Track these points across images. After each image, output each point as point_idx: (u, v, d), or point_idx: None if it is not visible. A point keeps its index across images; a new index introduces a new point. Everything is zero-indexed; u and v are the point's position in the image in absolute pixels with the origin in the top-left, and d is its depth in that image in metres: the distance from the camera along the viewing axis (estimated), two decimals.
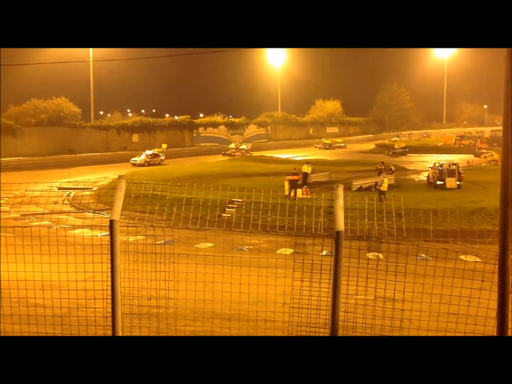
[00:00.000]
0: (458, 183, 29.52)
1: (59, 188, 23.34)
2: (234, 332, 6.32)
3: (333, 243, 4.57)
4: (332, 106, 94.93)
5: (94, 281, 5.10)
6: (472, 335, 4.89)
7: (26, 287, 5.44)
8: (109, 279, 4.79)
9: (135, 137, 61.88)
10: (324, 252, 5.11)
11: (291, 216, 5.71)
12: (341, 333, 4.77)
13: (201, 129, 70.06)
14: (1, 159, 45.67)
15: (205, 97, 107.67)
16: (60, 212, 17.87)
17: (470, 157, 50.42)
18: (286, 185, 25.63)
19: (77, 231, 13.30)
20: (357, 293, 5.03)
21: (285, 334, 5.30)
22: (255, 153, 56.39)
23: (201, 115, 79.62)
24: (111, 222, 4.70)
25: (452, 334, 5.01)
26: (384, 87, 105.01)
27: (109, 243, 4.75)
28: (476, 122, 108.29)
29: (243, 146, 62.12)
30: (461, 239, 6.25)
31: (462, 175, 30.37)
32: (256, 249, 11.61)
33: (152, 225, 5.45)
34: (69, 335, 5.36)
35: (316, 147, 72.09)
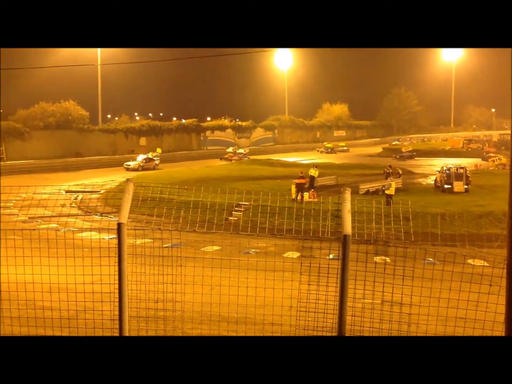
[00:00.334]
0: (466, 187, 29.41)
1: (67, 191, 23.45)
2: (241, 335, 6.31)
3: (340, 246, 4.57)
4: (339, 109, 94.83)
5: (101, 284, 5.12)
6: None
7: (34, 289, 5.46)
8: (117, 282, 4.80)
9: (143, 141, 62.07)
10: (331, 256, 5.10)
11: (298, 220, 5.71)
12: None
13: (208, 133, 70.16)
14: (9, 162, 46.05)
15: (212, 101, 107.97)
16: (68, 215, 17.94)
17: (478, 160, 50.20)
18: (293, 189, 25.62)
19: (84, 234, 13.35)
20: (364, 297, 5.02)
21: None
22: (261, 157, 56.27)
23: (208, 118, 79.76)
24: (119, 225, 4.71)
25: None
26: (392, 90, 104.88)
27: (116, 246, 4.77)
28: (484, 125, 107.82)
29: (241, 150, 61.18)
30: (469, 243, 6.22)
31: (469, 178, 30.26)
32: (263, 252, 11.59)
33: (159, 228, 5.46)
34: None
35: (318, 151, 71.68)
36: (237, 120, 78.08)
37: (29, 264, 5.43)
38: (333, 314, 4.84)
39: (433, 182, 34.36)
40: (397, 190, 27.07)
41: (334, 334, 4.76)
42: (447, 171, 30.27)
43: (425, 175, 40.99)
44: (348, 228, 4.49)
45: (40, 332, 5.46)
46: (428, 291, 5.10)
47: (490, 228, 19.05)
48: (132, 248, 5.11)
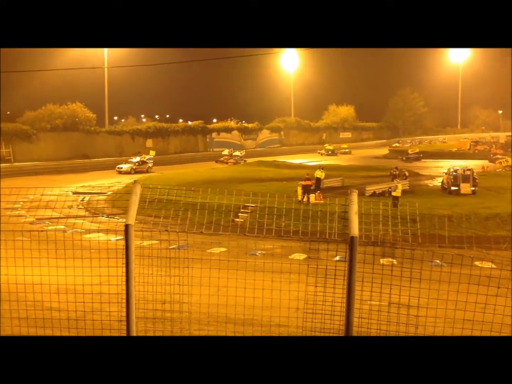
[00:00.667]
0: (473, 188, 29.28)
1: (74, 193, 23.53)
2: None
3: (347, 248, 4.56)
4: (346, 111, 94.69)
5: (109, 285, 5.14)
6: None
7: (42, 290, 5.48)
8: (124, 283, 4.82)
9: (149, 142, 62.20)
10: (337, 258, 5.10)
11: (304, 221, 5.71)
12: None
13: (214, 134, 70.23)
14: (17, 163, 46.28)
15: (219, 103, 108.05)
16: (76, 217, 18.02)
17: (485, 162, 49.99)
18: (299, 190, 25.61)
19: (92, 235, 13.39)
20: (371, 299, 5.01)
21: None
22: (267, 159, 56.23)
23: (215, 120, 79.86)
24: (127, 226, 4.73)
25: None
26: (398, 92, 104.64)
27: (123, 247, 4.79)
28: (491, 127, 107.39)
29: (237, 153, 59.09)
30: (477, 245, 6.20)
31: (476, 180, 30.13)
32: (269, 254, 11.60)
33: (166, 230, 5.47)
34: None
35: (318, 153, 70.75)
36: (243, 122, 78.18)
37: (37, 265, 5.45)
38: (340, 316, 4.84)
39: (439, 184, 34.25)
40: (404, 192, 26.98)
41: (341, 335, 4.75)
42: (454, 173, 30.17)
43: (432, 177, 40.85)
44: (355, 230, 4.49)
45: (48, 332, 5.49)
46: (436, 293, 5.08)
47: (498, 230, 18.95)
48: (139, 249, 5.13)
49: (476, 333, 4.97)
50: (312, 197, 25.29)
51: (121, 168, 45.58)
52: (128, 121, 75.91)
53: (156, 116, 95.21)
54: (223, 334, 6.02)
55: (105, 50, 58.56)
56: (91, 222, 18.04)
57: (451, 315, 5.04)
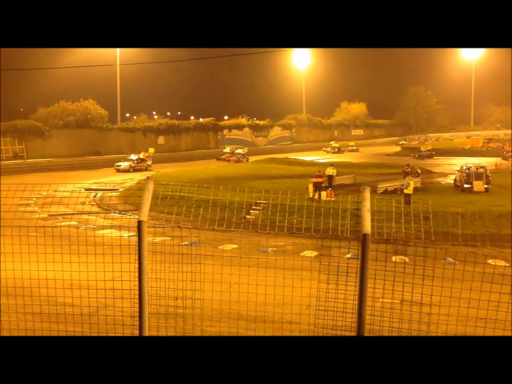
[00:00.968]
0: (486, 186, 29.08)
1: (86, 189, 23.67)
2: (259, 334, 6.33)
3: (359, 245, 4.55)
4: (357, 108, 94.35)
5: (121, 280, 5.16)
6: None
7: (55, 286, 5.53)
8: (136, 279, 4.84)
9: (161, 139, 62.43)
10: (349, 255, 5.09)
11: (316, 218, 5.70)
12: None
13: (225, 131, 70.34)
14: (30, 160, 46.66)
15: (230, 100, 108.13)
16: (89, 213, 18.13)
17: (498, 160, 49.56)
18: (310, 188, 25.58)
19: (104, 231, 13.47)
20: (384, 297, 5.00)
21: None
22: (278, 156, 56.13)
23: (226, 117, 79.99)
24: (139, 222, 4.76)
25: None
26: (411, 89, 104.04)
27: (136, 243, 4.81)
28: (504, 125, 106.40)
29: (239, 151, 57.52)
30: (490, 243, 6.15)
31: (489, 178, 29.91)
32: (281, 251, 11.60)
33: (179, 226, 5.49)
34: (96, 334, 5.44)
35: (324, 150, 69.51)
36: (255, 119, 78.15)
37: (50, 261, 5.50)
38: (352, 313, 4.83)
39: (452, 181, 34.04)
40: (416, 189, 26.85)
41: (353, 333, 4.75)
42: (467, 171, 29.98)
43: (445, 175, 40.60)
44: (367, 227, 4.47)
45: (62, 328, 5.53)
46: (449, 291, 5.05)
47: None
48: (151, 245, 5.15)
49: (489, 332, 4.94)
50: (323, 194, 25.25)
51: (120, 166, 44.39)
52: (140, 118, 76.24)
53: (168, 113, 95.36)
54: (234, 330, 6.03)
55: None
56: (104, 218, 18.16)
57: (464, 313, 5.01)
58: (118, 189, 28.76)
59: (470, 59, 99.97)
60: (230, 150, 57.84)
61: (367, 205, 4.63)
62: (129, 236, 6.29)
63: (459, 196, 28.02)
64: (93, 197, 25.45)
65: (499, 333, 4.91)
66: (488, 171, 30.55)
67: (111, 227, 11.73)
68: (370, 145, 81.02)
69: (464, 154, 59.80)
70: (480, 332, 5.00)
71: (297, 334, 5.67)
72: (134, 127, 61.68)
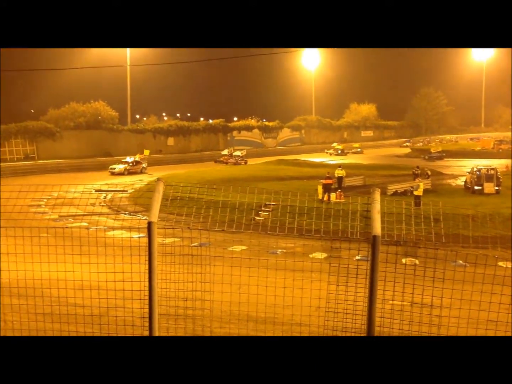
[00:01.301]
0: (497, 188, 28.89)
1: (97, 190, 23.80)
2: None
3: (369, 247, 4.54)
4: (367, 109, 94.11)
5: (131, 281, 5.19)
6: None
7: (66, 286, 5.56)
8: (146, 280, 4.86)
9: (170, 141, 62.62)
10: (358, 257, 5.08)
11: (326, 220, 5.69)
12: None
13: (235, 133, 70.41)
14: (41, 161, 46.97)
15: (239, 101, 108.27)
16: (99, 214, 18.20)
17: (508, 162, 49.19)
18: (320, 189, 25.54)
19: (115, 232, 13.54)
20: (394, 299, 4.98)
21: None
22: (287, 157, 56.03)
23: (235, 118, 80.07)
24: (149, 224, 4.77)
25: None
26: (421, 90, 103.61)
27: (146, 244, 4.83)
28: None
29: (237, 153, 56.08)
30: (501, 246, 6.11)
31: (500, 180, 29.71)
32: (290, 252, 11.60)
33: (189, 227, 5.50)
34: (107, 334, 5.47)
35: (326, 152, 68.12)
36: (264, 120, 78.20)
37: (61, 262, 5.54)
38: (362, 315, 4.81)
39: (463, 183, 33.85)
40: (426, 191, 26.73)
41: (363, 335, 4.73)
42: (478, 172, 29.80)
43: (455, 176, 40.40)
44: (377, 229, 4.46)
45: (72, 328, 5.56)
46: (459, 293, 5.03)
47: None
48: (161, 246, 5.17)
49: (500, 334, 4.90)
50: (333, 195, 25.20)
51: (114, 169, 42.97)
52: (150, 120, 76.57)
53: (178, 115, 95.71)
54: (244, 332, 6.03)
55: (128, 48, 59.08)
56: (114, 219, 18.24)
57: (475, 316, 4.98)
58: (128, 190, 28.87)
59: (481, 60, 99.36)
60: (228, 152, 56.39)
61: (377, 206, 4.61)
62: (139, 237, 6.32)
63: (469, 198, 27.85)
64: (103, 198, 25.57)
65: (510, 335, 4.88)
66: (498, 173, 30.33)
67: (121, 228, 11.78)
68: (374, 147, 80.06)
69: (475, 156, 59.42)
70: (491, 334, 4.97)
71: (307, 335, 5.66)
72: (144, 128, 61.95)
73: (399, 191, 28.43)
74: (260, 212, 17.48)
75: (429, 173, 34.42)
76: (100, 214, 19.05)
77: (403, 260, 5.36)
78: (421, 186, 24.91)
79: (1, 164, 43.79)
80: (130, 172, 42.75)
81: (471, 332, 5.11)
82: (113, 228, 14.94)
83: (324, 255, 10.32)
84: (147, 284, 4.85)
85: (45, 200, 20.38)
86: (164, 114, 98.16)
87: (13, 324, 5.77)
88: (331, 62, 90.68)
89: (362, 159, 56.51)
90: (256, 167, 46.13)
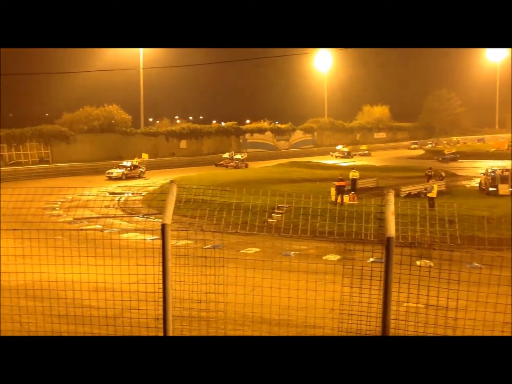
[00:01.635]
0: (511, 189, 28.59)
1: (110, 193, 23.95)
2: None
3: (383, 249, 4.52)
4: (380, 111, 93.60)
5: (146, 283, 5.21)
6: None
7: (81, 288, 5.60)
8: (160, 281, 4.87)
9: (183, 143, 62.81)
10: (372, 259, 5.06)
11: (339, 222, 5.68)
12: None
13: (247, 135, 70.43)
14: (55, 164, 47.38)
15: (252, 103, 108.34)
16: (113, 217, 18.31)
17: None
18: (333, 191, 25.47)
19: (129, 234, 13.60)
20: (408, 301, 4.95)
21: None
22: (300, 159, 55.88)
23: (248, 121, 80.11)
24: (163, 226, 4.79)
25: None
26: (434, 92, 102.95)
27: (160, 246, 4.85)
28: None
29: (238, 156, 54.78)
30: None
31: None
32: (303, 254, 11.58)
33: (202, 229, 5.52)
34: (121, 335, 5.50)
35: (332, 155, 66.16)
36: (276, 122, 78.14)
37: (76, 264, 5.58)
38: (376, 317, 4.79)
39: (477, 185, 33.56)
40: (441, 193, 26.54)
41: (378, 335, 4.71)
42: (492, 174, 29.53)
43: (469, 178, 40.06)
44: (392, 230, 4.44)
45: (87, 330, 5.60)
46: (475, 296, 4.99)
47: None
48: (175, 248, 5.19)
49: None
50: (346, 197, 25.12)
51: (112, 173, 41.28)
52: (163, 123, 76.78)
53: (190, 118, 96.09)
54: (258, 334, 6.03)
55: (141, 51, 59.43)
56: (128, 222, 18.33)
57: (490, 318, 4.94)
58: (141, 193, 29.02)
59: (495, 61, 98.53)
60: (229, 155, 55.04)
61: (391, 208, 4.59)
62: (153, 239, 6.34)
63: (484, 199, 27.60)
64: (117, 201, 25.72)
65: None
66: None
67: (135, 230, 11.83)
68: (379, 150, 78.68)
69: (489, 157, 58.86)
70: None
71: (321, 335, 5.64)
72: (157, 131, 62.19)
73: (412, 193, 28.26)
74: (273, 214, 17.51)
75: (443, 174, 34.16)
76: (114, 216, 19.18)
77: (417, 262, 5.32)
78: (435, 188, 24.74)
79: (17, 167, 44.31)
80: (128, 177, 41.40)
81: (487, 334, 5.06)
82: (127, 231, 15.02)
83: (338, 257, 10.28)
84: (161, 286, 4.87)
85: (59, 202, 20.58)
86: (176, 117, 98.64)
87: (29, 326, 5.82)
88: (343, 64, 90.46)
89: (375, 161, 56.24)
90: (268, 170, 46.09)
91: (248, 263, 5.89)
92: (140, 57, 60.87)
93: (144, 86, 62.93)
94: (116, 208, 23.57)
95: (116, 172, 41.47)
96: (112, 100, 59.17)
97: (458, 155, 60.40)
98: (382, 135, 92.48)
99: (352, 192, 26.63)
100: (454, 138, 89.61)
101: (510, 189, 28.52)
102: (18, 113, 69.86)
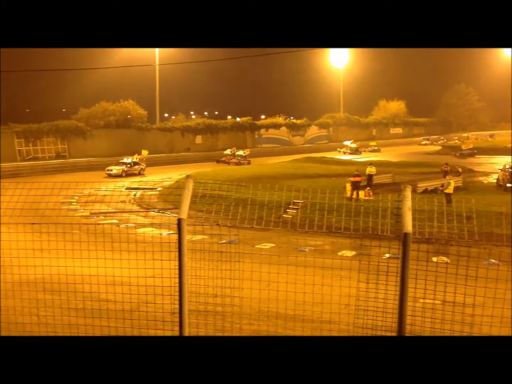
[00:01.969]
0: None
1: (127, 188, 24.10)
2: (298, 333, 6.32)
3: (400, 245, 4.49)
4: (396, 106, 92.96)
5: (162, 277, 5.24)
6: None
7: (98, 282, 5.65)
8: (176, 276, 4.90)
9: (198, 139, 62.98)
10: (388, 255, 5.03)
11: (355, 217, 5.65)
12: None
13: (262, 131, 70.39)
14: (72, 159, 47.82)
15: (267, 99, 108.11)
16: (130, 211, 18.43)
17: None
18: (348, 186, 25.37)
19: (145, 229, 13.69)
20: (425, 297, 4.92)
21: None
22: (315, 155, 55.65)
23: (263, 116, 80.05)
24: (179, 220, 4.81)
25: None
26: (451, 87, 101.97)
27: (176, 241, 4.87)
28: None
29: (240, 153, 53.77)
30: None
31: None
32: (319, 250, 11.56)
33: (218, 224, 5.53)
34: (130, 335, 5.54)
35: (339, 151, 65.45)
36: (292, 118, 77.94)
37: (93, 258, 5.63)
38: (392, 313, 4.77)
39: (495, 180, 33.20)
40: (457, 188, 26.30)
41: (394, 333, 4.69)
42: (510, 170, 29.18)
43: (487, 174, 39.62)
44: (408, 226, 4.41)
45: (104, 323, 5.65)
46: (492, 292, 4.94)
47: None
48: (191, 243, 5.21)
49: None
50: (361, 193, 25.00)
51: (111, 170, 40.17)
52: (178, 118, 77.03)
53: (205, 113, 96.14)
54: (273, 329, 6.05)
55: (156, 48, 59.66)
56: (144, 216, 18.45)
57: (508, 315, 4.89)
58: (157, 188, 29.17)
59: None
60: (231, 152, 54.33)
61: (408, 203, 4.56)
62: (168, 234, 6.37)
63: (502, 195, 27.26)
64: (133, 195, 25.89)
65: None
66: None
67: (151, 225, 11.90)
68: (393, 145, 77.74)
69: (507, 153, 58.17)
70: None
71: (336, 333, 5.64)
72: (172, 127, 62.42)
73: (429, 189, 28.05)
74: (288, 210, 17.48)
75: (460, 170, 33.87)
76: (131, 211, 19.30)
77: (434, 259, 5.28)
78: (451, 184, 24.51)
79: (34, 162, 44.78)
80: (128, 174, 40.31)
81: (505, 332, 5.02)
82: (143, 225, 15.11)
83: (353, 253, 10.25)
84: (177, 280, 4.90)
85: (76, 197, 20.78)
86: (192, 112, 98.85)
87: (47, 319, 5.89)
88: (359, 59, 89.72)
89: (391, 157, 55.86)
90: (283, 165, 46.02)
91: (264, 258, 5.89)
92: (156, 53, 61.09)
93: (159, 82, 63.22)
94: (132, 203, 23.73)
95: (116, 169, 40.46)
96: (128, 95, 59.63)
97: (475, 151, 59.82)
98: (398, 130, 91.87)
99: (368, 188, 26.50)
100: (464, 134, 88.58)
101: None
102: (35, 109, 70.57)
